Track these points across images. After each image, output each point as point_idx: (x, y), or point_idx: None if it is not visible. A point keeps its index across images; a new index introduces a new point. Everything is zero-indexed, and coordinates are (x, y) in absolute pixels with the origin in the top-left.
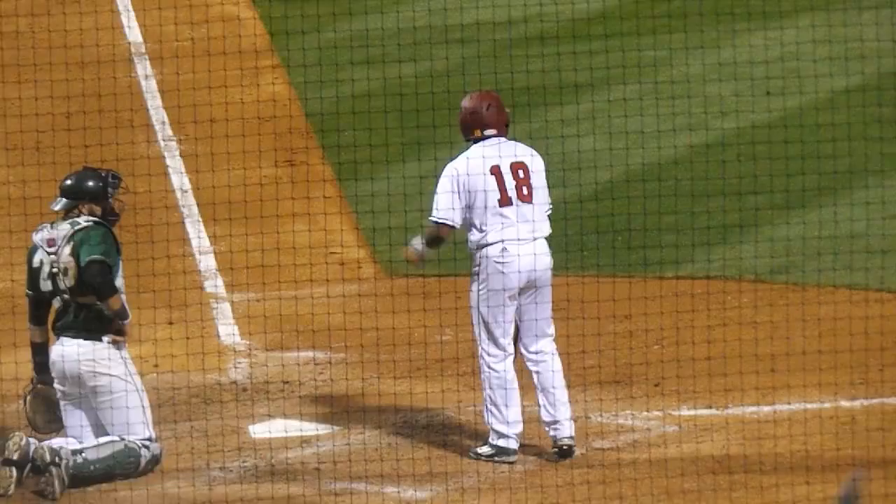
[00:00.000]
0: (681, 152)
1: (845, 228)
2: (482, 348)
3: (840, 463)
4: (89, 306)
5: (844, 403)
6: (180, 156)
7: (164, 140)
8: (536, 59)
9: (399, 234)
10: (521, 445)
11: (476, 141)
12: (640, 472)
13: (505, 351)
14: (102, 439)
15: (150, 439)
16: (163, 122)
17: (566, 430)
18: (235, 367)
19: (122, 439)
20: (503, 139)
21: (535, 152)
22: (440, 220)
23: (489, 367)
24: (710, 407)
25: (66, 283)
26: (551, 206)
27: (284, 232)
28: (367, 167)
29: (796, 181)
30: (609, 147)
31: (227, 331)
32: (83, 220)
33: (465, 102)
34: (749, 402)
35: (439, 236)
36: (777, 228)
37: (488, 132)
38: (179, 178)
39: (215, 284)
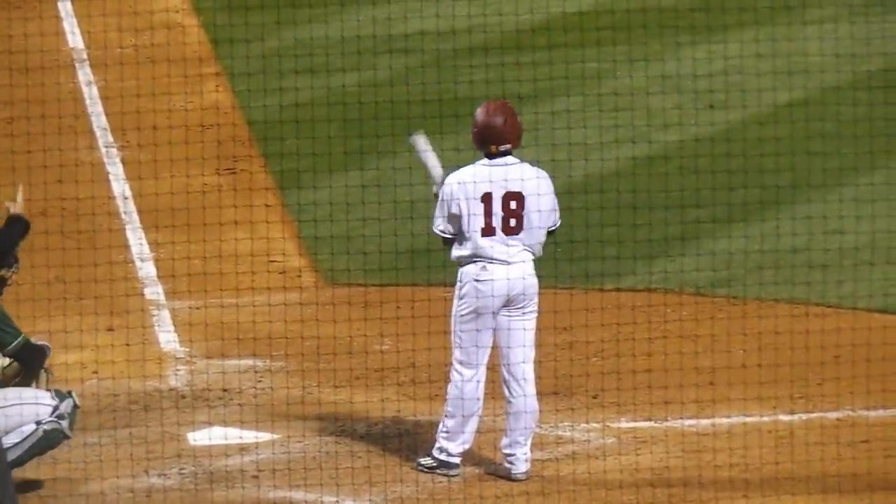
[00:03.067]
0: (623, 164)
1: (787, 242)
2: (454, 363)
3: (779, 477)
4: None
5: (783, 417)
6: (122, 162)
7: (105, 146)
8: (480, 70)
9: (340, 242)
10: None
11: (488, 156)
12: (578, 483)
13: (475, 371)
14: (24, 430)
15: (55, 407)
16: (104, 129)
17: (521, 466)
18: (175, 375)
19: (38, 424)
20: (512, 159)
21: (542, 174)
22: (435, 232)
23: (455, 384)
24: (650, 419)
25: None
26: (556, 225)
27: (225, 240)
28: (310, 176)
29: (738, 195)
30: (551, 158)
31: (167, 338)
32: None
33: (480, 116)
34: (688, 414)
35: (445, 241)
36: (718, 242)
37: (503, 147)
38: (121, 185)
39: (156, 291)
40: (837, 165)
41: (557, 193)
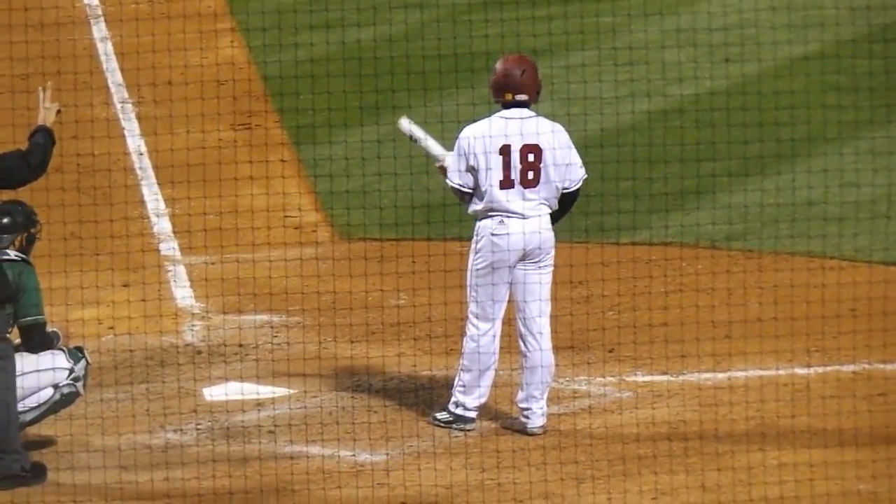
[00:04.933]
0: (638, 118)
1: (802, 196)
2: (469, 317)
3: (795, 430)
4: None
5: (799, 371)
6: (137, 118)
7: (120, 102)
8: (495, 24)
9: (355, 197)
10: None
11: (505, 105)
12: (594, 437)
13: (491, 326)
14: (42, 395)
15: (71, 370)
16: (120, 85)
17: (536, 419)
18: (191, 330)
19: (55, 388)
20: (528, 112)
21: (557, 128)
22: (452, 185)
23: (471, 338)
24: (666, 373)
25: None
26: (574, 181)
27: (241, 195)
28: (325, 131)
29: (753, 148)
30: (567, 112)
31: (183, 293)
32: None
33: (499, 65)
34: (704, 368)
35: (462, 195)
36: (734, 195)
37: (520, 97)
38: (136, 141)
39: (171, 247)
40: (853, 118)
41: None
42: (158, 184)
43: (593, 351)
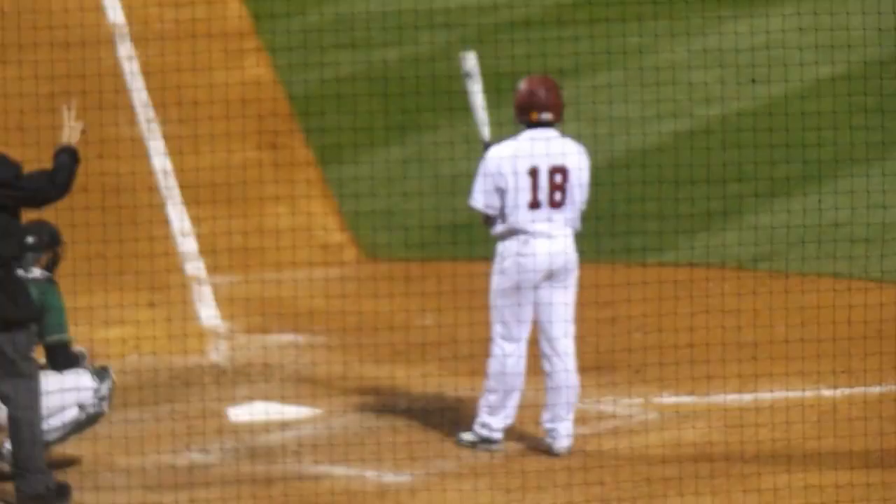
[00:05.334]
0: (664, 139)
1: (829, 217)
2: (495, 338)
3: (821, 451)
4: None
5: (826, 392)
6: (162, 137)
7: (146, 122)
8: (521, 45)
9: (381, 217)
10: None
11: (530, 125)
12: (620, 458)
13: (517, 346)
14: (66, 415)
15: (95, 389)
16: (145, 104)
17: (562, 440)
18: (216, 350)
19: (80, 408)
20: (553, 132)
21: (582, 150)
22: (473, 206)
23: (497, 359)
24: (692, 394)
25: None
26: (584, 203)
27: (266, 215)
28: (351, 151)
29: (780, 169)
30: (593, 133)
31: (208, 313)
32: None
33: (523, 85)
34: (731, 389)
35: (487, 217)
36: (760, 216)
37: (545, 116)
38: (161, 160)
39: (197, 267)
40: (880, 139)
41: (599, 168)
42: (184, 203)
43: (619, 372)
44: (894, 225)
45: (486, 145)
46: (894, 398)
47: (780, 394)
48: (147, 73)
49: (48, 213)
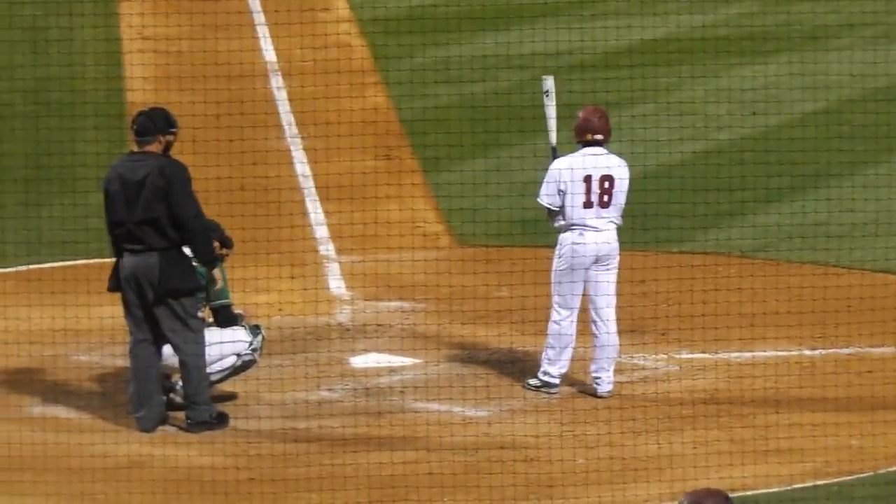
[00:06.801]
0: (686, 157)
1: (811, 218)
2: (553, 306)
3: (802, 398)
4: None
5: (807, 352)
6: (303, 149)
7: (290, 137)
8: (577, 82)
9: (469, 213)
10: (562, 377)
11: (585, 144)
12: (649, 401)
13: (570, 313)
14: (225, 363)
15: (250, 342)
16: (290, 123)
17: (605, 386)
18: (341, 313)
19: (238, 356)
20: (602, 149)
21: (623, 163)
22: (543, 204)
23: (555, 321)
24: (704, 352)
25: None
26: (625, 204)
27: (381, 210)
28: (446, 162)
29: (774, 181)
30: (631, 151)
31: (336, 284)
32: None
33: (581, 113)
34: (734, 349)
35: (550, 213)
36: (759, 217)
37: (597, 137)
38: (302, 167)
39: (328, 249)
40: (851, 160)
41: (636, 178)
42: (319, 200)
43: (649, 334)
44: (861, 225)
45: (553, 149)
46: (859, 358)
47: (772, 353)
48: (292, 100)
49: (212, 209)
